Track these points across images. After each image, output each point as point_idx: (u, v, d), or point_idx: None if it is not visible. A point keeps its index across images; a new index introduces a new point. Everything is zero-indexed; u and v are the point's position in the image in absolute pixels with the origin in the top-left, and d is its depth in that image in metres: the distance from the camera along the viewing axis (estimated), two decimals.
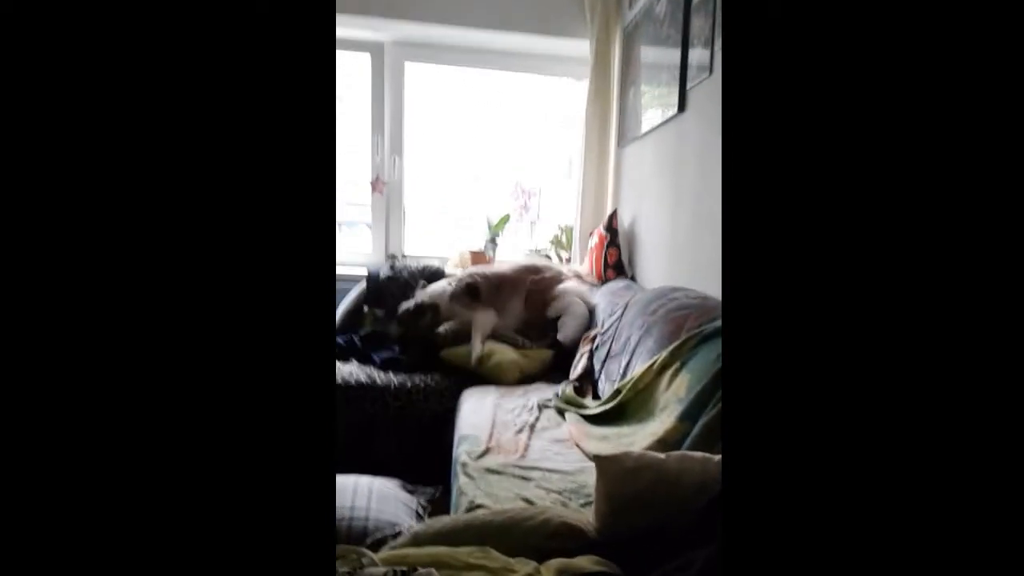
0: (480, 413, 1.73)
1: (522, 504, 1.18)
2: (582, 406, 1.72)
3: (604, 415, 1.60)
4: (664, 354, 1.47)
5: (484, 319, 2.25)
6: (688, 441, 1.21)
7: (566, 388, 1.88)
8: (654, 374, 1.48)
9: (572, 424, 1.61)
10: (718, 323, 1.39)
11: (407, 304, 2.32)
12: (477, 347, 2.13)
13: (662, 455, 0.94)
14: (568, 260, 2.94)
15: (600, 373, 1.91)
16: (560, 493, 1.24)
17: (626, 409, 1.55)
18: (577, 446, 1.48)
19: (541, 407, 1.77)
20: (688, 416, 1.27)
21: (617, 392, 1.60)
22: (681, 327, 1.50)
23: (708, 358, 1.32)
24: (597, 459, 0.96)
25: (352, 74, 2.92)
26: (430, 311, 2.28)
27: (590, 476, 1.17)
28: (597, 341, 2.04)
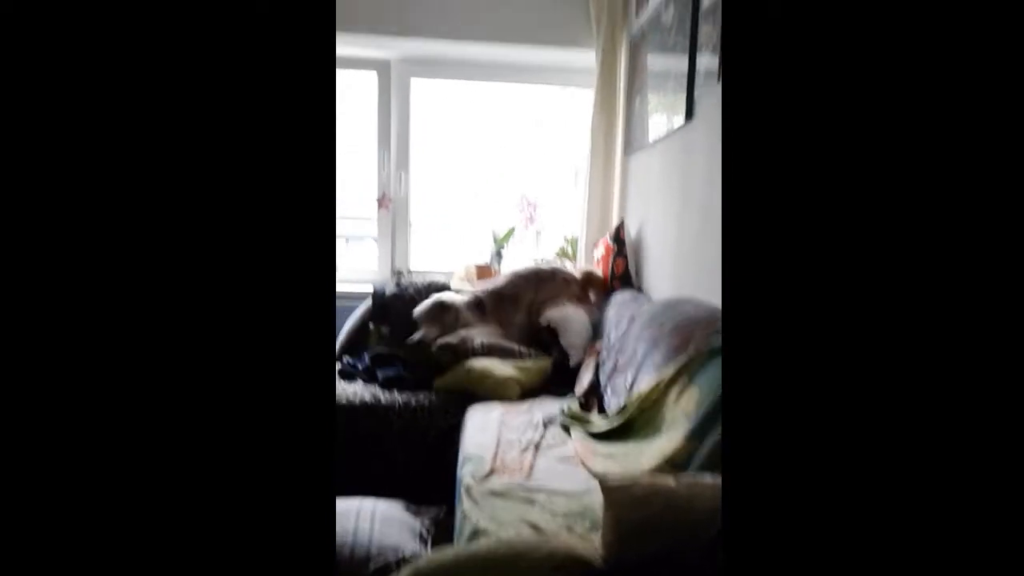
0: (485, 432, 1.70)
1: (527, 530, 1.14)
2: (588, 422, 1.68)
3: (610, 432, 1.55)
4: (672, 369, 1.43)
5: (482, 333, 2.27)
6: (696, 460, 1.17)
7: (571, 404, 1.84)
8: (661, 390, 1.43)
9: (578, 441, 1.57)
10: None
11: (426, 304, 2.31)
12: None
13: (672, 481, 0.90)
14: None
15: (606, 387, 1.87)
16: (565, 516, 1.19)
17: (633, 425, 1.51)
18: (583, 464, 1.44)
19: (546, 424, 1.73)
20: (697, 434, 1.22)
21: (623, 409, 1.56)
22: (689, 340, 1.46)
23: (718, 372, 1.27)
24: (605, 488, 0.92)
25: (359, 92, 2.92)
26: (453, 311, 2.30)
27: (596, 497, 1.13)
28: (603, 354, 2.00)
